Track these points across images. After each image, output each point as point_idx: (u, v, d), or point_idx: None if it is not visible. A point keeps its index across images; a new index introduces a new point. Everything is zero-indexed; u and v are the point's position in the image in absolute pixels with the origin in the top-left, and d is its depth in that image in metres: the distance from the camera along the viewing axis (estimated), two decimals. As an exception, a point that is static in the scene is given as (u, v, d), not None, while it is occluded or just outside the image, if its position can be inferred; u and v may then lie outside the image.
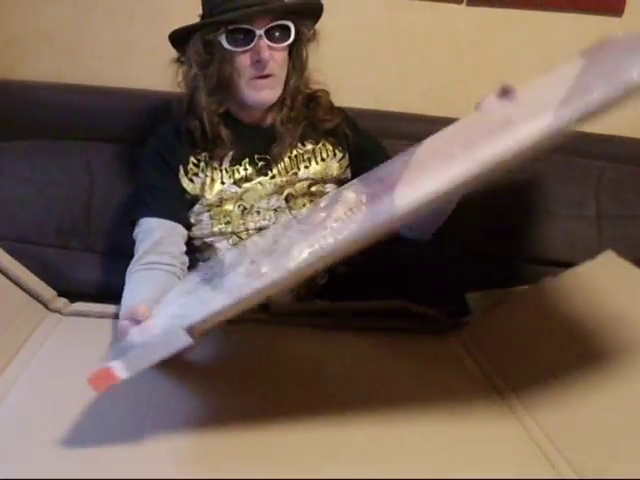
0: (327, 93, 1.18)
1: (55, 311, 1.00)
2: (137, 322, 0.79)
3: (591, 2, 1.46)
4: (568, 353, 0.83)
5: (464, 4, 1.48)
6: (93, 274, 1.36)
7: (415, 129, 1.49)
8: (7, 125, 1.43)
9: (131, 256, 1.05)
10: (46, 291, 1.02)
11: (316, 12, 1.11)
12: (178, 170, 1.10)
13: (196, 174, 1.10)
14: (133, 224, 1.08)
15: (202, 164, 1.10)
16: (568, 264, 1.02)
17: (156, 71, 1.47)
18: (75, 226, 1.36)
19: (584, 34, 1.49)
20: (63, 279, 1.25)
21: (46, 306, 1.00)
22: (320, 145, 1.16)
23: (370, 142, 1.22)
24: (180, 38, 1.09)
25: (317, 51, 1.13)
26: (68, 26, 1.49)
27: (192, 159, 1.11)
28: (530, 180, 1.46)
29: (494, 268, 1.38)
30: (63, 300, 1.04)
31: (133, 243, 1.07)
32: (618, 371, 0.75)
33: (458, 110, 1.53)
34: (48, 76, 1.50)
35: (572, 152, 1.50)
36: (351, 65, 1.50)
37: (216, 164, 1.10)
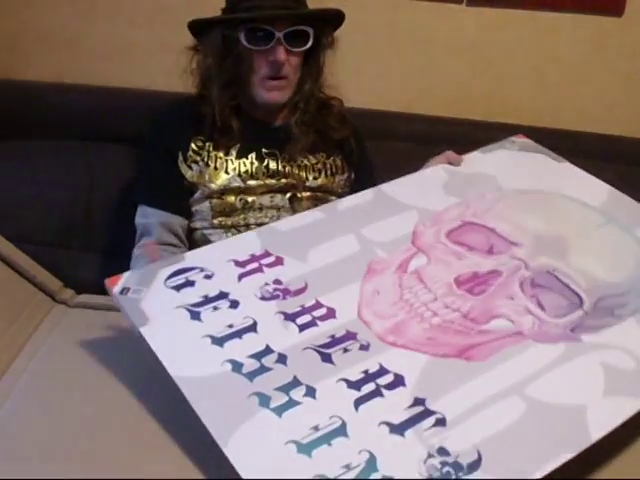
0: (341, 102, 1.19)
1: (61, 302, 1.00)
2: None
3: (591, 2, 1.46)
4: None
5: (464, 4, 1.48)
6: (93, 274, 1.35)
7: (415, 129, 1.50)
8: (7, 125, 1.43)
9: (130, 256, 1.07)
10: (52, 282, 1.02)
11: (337, 20, 1.13)
12: (177, 157, 1.10)
13: (195, 161, 1.10)
14: (135, 205, 1.11)
15: (204, 152, 1.10)
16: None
17: (156, 71, 1.48)
18: (75, 226, 1.36)
19: (584, 34, 1.50)
20: (63, 279, 1.25)
21: (53, 298, 1.00)
22: (331, 160, 1.18)
23: (365, 165, 1.24)
24: (199, 28, 1.10)
25: (334, 56, 1.14)
26: (68, 26, 1.50)
27: (193, 145, 1.10)
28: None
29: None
30: (70, 291, 1.04)
31: (134, 225, 1.10)
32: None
33: (458, 110, 1.55)
34: (48, 76, 1.50)
35: (571, 152, 1.50)
36: (351, 65, 1.50)
37: (221, 154, 1.11)
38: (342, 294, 0.78)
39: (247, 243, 0.85)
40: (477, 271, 0.81)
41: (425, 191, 0.97)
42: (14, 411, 0.71)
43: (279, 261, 0.82)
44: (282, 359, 0.69)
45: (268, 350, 0.70)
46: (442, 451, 0.61)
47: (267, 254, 0.83)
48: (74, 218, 1.36)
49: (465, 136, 1.51)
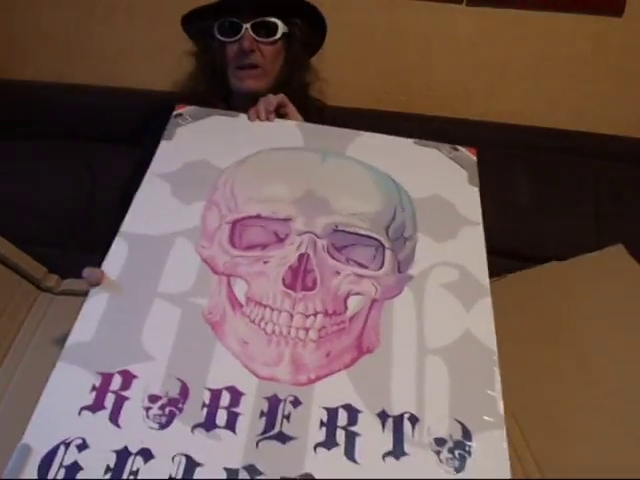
0: (326, 107, 1.22)
1: (46, 290, 1.00)
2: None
3: (591, 2, 1.46)
4: (557, 338, 0.83)
5: (464, 4, 1.48)
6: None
7: (415, 129, 1.49)
8: (7, 125, 1.43)
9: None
10: (36, 269, 1.02)
11: (305, 12, 1.14)
12: None
13: None
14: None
15: None
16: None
17: (156, 71, 1.48)
18: (75, 226, 1.36)
19: (584, 34, 1.50)
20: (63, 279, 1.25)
21: (37, 286, 1.00)
22: None
23: None
24: (185, 26, 1.16)
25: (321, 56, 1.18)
26: (68, 26, 1.49)
27: None
28: (528, 179, 1.46)
29: (491, 266, 1.38)
30: (54, 277, 1.04)
31: None
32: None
33: (458, 110, 1.54)
34: (48, 76, 1.50)
35: (571, 151, 1.50)
36: (351, 65, 1.50)
37: None
38: (219, 366, 0.68)
39: (75, 379, 0.66)
40: (290, 265, 0.76)
41: (167, 209, 0.83)
42: (8, 408, 0.71)
43: (128, 375, 0.66)
44: (253, 471, 0.60)
45: (232, 473, 0.60)
46: (440, 441, 0.62)
47: (108, 376, 0.66)
48: (74, 218, 1.36)
49: (465, 136, 1.51)
